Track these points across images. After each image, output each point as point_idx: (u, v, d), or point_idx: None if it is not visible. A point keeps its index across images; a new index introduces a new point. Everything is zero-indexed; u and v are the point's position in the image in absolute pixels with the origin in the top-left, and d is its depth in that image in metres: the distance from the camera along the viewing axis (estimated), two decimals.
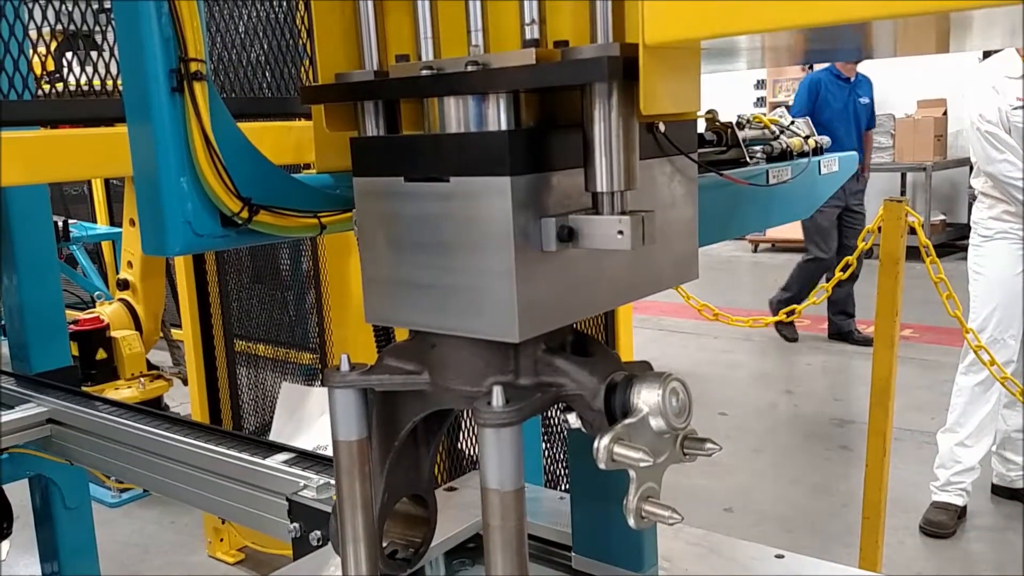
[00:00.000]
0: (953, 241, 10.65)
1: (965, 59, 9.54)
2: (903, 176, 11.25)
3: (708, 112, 1.41)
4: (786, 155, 1.43)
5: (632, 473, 0.83)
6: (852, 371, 6.83)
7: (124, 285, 5.29)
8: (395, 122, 1.01)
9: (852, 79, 6.89)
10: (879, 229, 2.75)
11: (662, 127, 0.99)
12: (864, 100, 7.02)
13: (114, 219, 7.93)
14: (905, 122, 10.84)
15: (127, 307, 5.30)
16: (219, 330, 4.20)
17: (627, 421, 0.82)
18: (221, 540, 4.28)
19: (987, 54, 4.28)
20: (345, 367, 0.96)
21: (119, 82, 2.10)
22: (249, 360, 4.27)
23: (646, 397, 0.83)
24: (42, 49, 2.09)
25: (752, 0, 0.71)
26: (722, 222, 1.28)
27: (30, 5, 2.00)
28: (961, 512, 4.18)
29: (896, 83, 10.66)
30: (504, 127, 0.86)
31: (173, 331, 5.69)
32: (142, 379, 5.04)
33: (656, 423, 0.83)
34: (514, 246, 0.82)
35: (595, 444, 0.80)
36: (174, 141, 1.01)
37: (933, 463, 4.29)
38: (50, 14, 2.00)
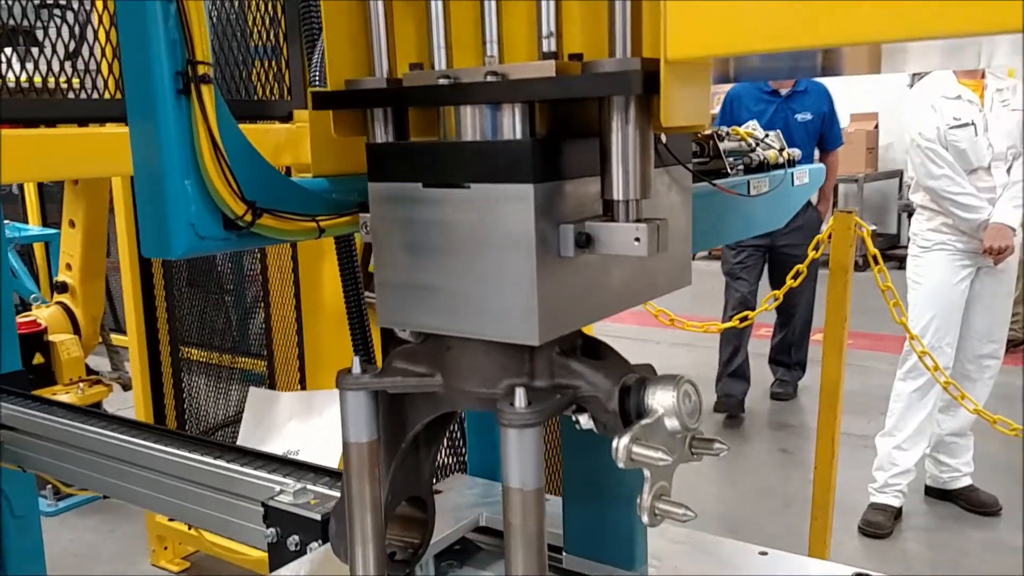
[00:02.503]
0: (884, 251, 10.99)
1: (895, 75, 9.89)
2: (836, 187, 11.58)
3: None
4: (763, 167, 1.49)
5: (647, 472, 0.85)
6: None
7: (62, 288, 5.14)
8: (404, 128, 1.02)
9: (785, 93, 5.81)
10: (829, 238, 2.85)
11: (663, 138, 1.03)
12: (804, 116, 5.88)
13: (46, 219, 7.71)
14: None
15: (65, 310, 5.15)
16: (165, 335, 4.12)
17: (644, 422, 0.85)
18: (165, 548, 4.19)
19: (917, 73, 4.46)
20: (357, 370, 0.97)
21: (61, 81, 2.07)
22: (194, 366, 4.20)
23: (661, 399, 0.86)
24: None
25: (772, 20, 0.75)
26: (708, 231, 1.32)
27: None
28: (897, 513, 4.33)
29: None
30: (520, 135, 0.88)
31: (114, 336, 5.56)
32: (81, 384, 4.91)
33: (671, 423, 0.86)
34: (536, 251, 0.84)
35: (614, 444, 0.83)
36: (179, 143, 1.01)
37: (870, 465, 4.43)
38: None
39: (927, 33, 0.71)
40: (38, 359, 4.87)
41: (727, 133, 1.46)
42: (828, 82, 6.38)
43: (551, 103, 0.92)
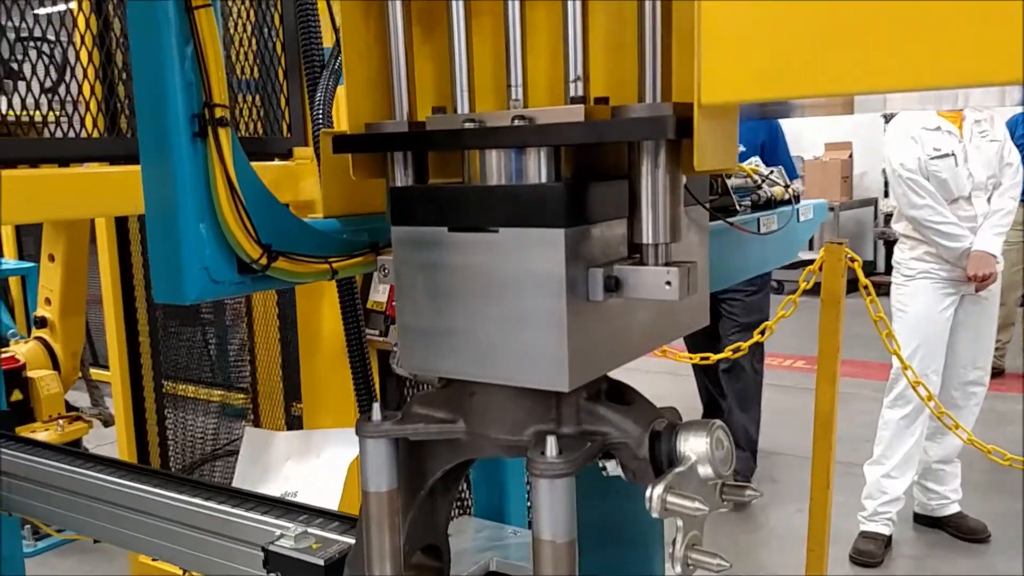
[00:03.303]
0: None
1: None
2: None
3: None
4: (771, 203, 1.49)
5: (680, 522, 0.84)
6: (777, 404, 7.01)
7: (42, 323, 5.06)
8: (424, 171, 1.01)
9: None
10: (820, 269, 2.86)
11: (684, 179, 1.02)
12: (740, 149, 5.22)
13: (23, 252, 7.60)
14: (813, 164, 11.31)
15: (44, 345, 5.07)
16: (148, 370, 4.06)
17: (678, 470, 0.83)
18: None
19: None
20: (377, 417, 0.95)
21: (48, 116, 2.04)
22: (178, 401, 4.13)
23: (694, 445, 0.85)
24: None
25: (803, 66, 0.75)
26: (722, 269, 1.32)
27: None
28: (888, 541, 4.32)
29: (804, 126, 11.12)
30: (546, 179, 0.87)
31: (93, 371, 5.47)
32: (60, 421, 4.81)
33: (704, 471, 0.85)
34: (566, 295, 0.83)
35: (648, 493, 0.81)
36: (193, 186, 0.99)
37: (858, 493, 4.43)
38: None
39: (956, 81, 0.72)
40: (16, 396, 4.77)
41: None
42: None
43: (576, 147, 0.92)
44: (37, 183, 1.94)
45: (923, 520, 4.56)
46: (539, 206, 0.84)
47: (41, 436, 4.69)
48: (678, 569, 0.85)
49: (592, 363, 0.87)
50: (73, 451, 2.13)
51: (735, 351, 3.44)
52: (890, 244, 6.39)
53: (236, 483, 2.65)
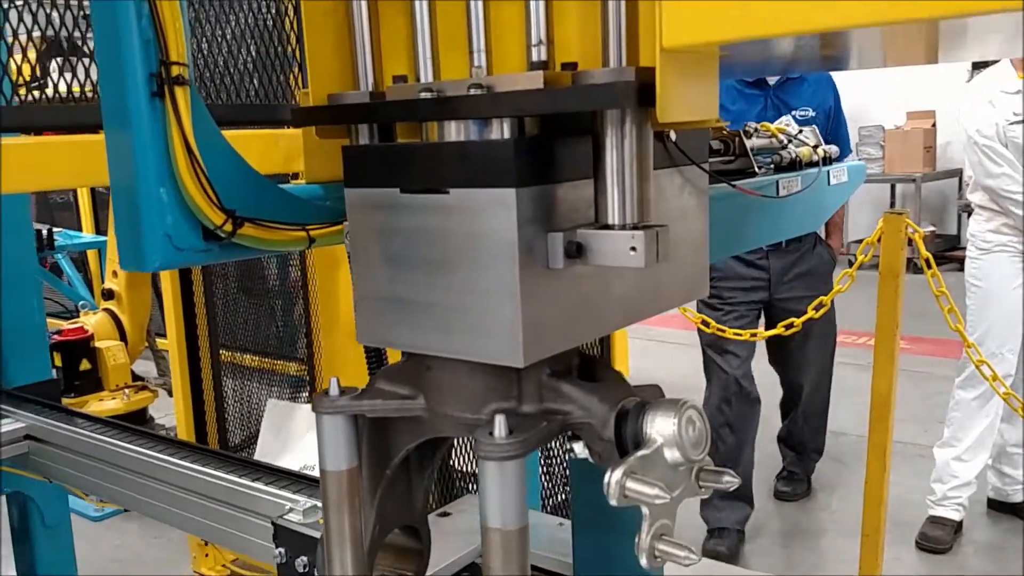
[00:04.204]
0: (943, 252, 10.65)
1: (954, 71, 9.57)
2: (892, 187, 11.27)
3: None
4: (795, 165, 1.38)
5: (645, 510, 0.77)
6: (843, 383, 6.79)
7: (109, 295, 5.20)
8: (390, 133, 0.95)
9: (774, 83, 4.05)
10: (878, 241, 2.71)
11: (673, 136, 0.94)
12: (804, 112, 4.09)
13: (100, 227, 7.84)
14: (894, 133, 10.85)
15: (112, 317, 5.21)
16: (204, 340, 4.12)
17: (640, 453, 0.76)
18: (206, 556, 4.18)
19: (976, 66, 4.23)
20: (335, 391, 0.90)
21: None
22: (235, 371, 4.19)
23: (660, 427, 0.77)
24: (28, 55, 2.03)
25: (773, 2, 0.66)
26: (731, 235, 1.22)
27: (17, 8, 1.93)
28: (957, 527, 4.13)
29: (885, 94, 10.67)
30: (508, 135, 0.80)
31: (160, 341, 5.60)
32: (126, 390, 4.95)
33: (671, 455, 0.77)
34: (519, 263, 0.76)
35: (606, 478, 0.74)
36: (154, 149, 0.95)
37: (927, 476, 4.25)
38: (29, 19, 1.93)
39: (934, 13, 0.62)
40: (85, 365, 4.92)
41: (756, 130, 1.36)
42: (885, 79, 5.54)
43: None
44: (94, 149, 1.94)
45: (997, 506, 4.34)
46: (489, 165, 0.77)
47: (108, 405, 4.84)
48: (644, 560, 0.78)
49: (553, 336, 0.80)
50: (106, 420, 2.16)
51: (794, 334, 3.24)
52: None
53: (258, 455, 2.66)
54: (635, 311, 0.91)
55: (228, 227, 0.98)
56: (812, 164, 1.42)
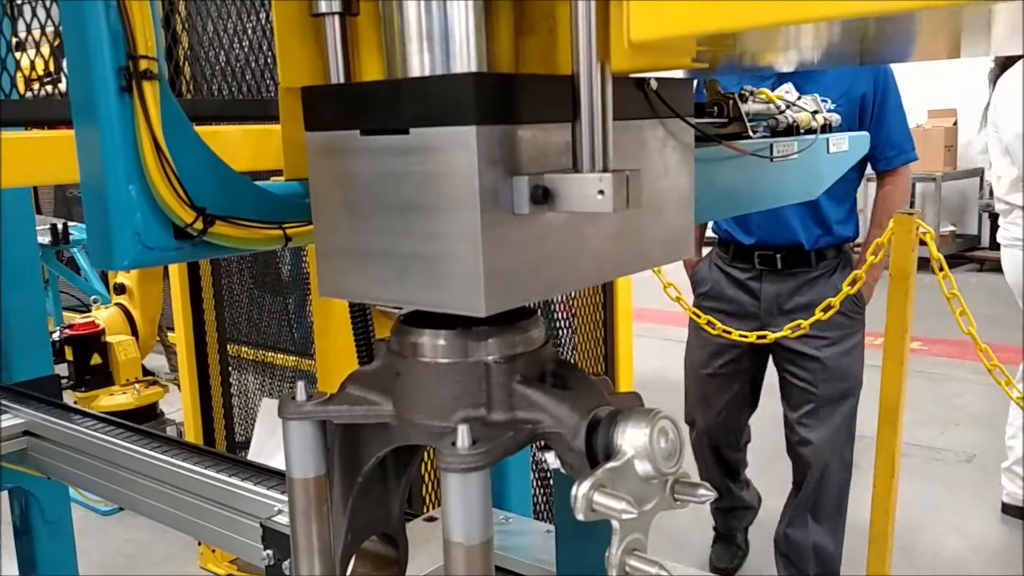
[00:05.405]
0: (963, 252, 10.53)
1: (975, 69, 9.43)
2: (912, 186, 11.14)
3: (710, 82, 1.32)
4: (792, 130, 1.33)
5: (615, 524, 0.73)
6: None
7: (121, 289, 5.21)
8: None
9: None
10: (889, 242, 2.65)
11: (654, 84, 0.89)
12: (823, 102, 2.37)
13: None
14: (915, 132, 10.68)
15: (124, 312, 5.22)
16: (212, 334, 4.12)
17: (609, 465, 0.73)
18: (213, 551, 4.19)
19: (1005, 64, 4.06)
20: (301, 396, 0.87)
21: None
22: (243, 365, 4.18)
23: (631, 437, 0.74)
24: (42, 50, 2.02)
25: None
26: (723, 199, 1.17)
27: (31, 4, 1.92)
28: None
29: (906, 93, 10.53)
30: (473, 68, 0.76)
31: (171, 335, 5.61)
32: (137, 385, 4.96)
33: (642, 467, 0.74)
34: (480, 206, 0.71)
35: (572, 491, 0.71)
36: (122, 145, 0.92)
37: (940, 480, 4.18)
38: (43, 14, 1.92)
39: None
40: (95, 360, 4.93)
41: (751, 93, 1.31)
42: (906, 77, 5.30)
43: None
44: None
45: (1010, 510, 4.27)
46: (448, 101, 0.71)
47: (118, 399, 4.85)
48: (614, 575, 0.75)
49: (518, 287, 0.75)
50: (103, 417, 2.14)
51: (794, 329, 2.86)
52: (995, 217, 5.93)
53: (252, 454, 2.64)
54: (611, 267, 0.86)
55: (199, 225, 0.95)
56: (811, 131, 1.37)
